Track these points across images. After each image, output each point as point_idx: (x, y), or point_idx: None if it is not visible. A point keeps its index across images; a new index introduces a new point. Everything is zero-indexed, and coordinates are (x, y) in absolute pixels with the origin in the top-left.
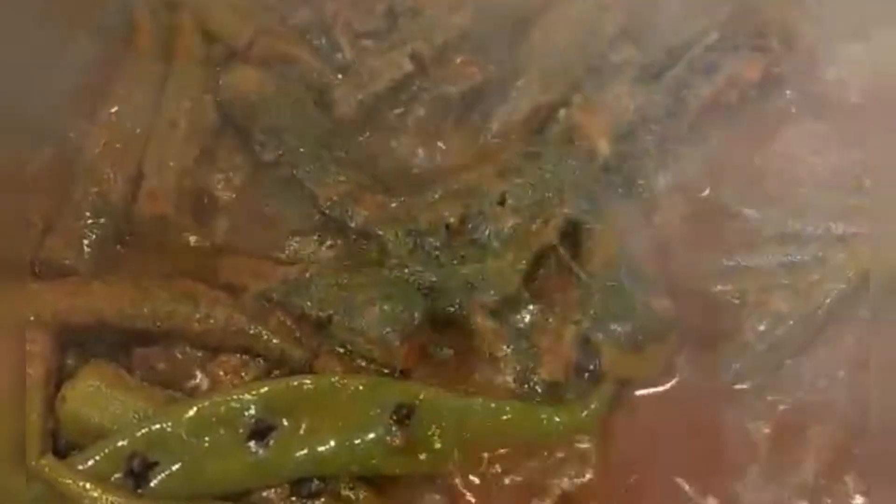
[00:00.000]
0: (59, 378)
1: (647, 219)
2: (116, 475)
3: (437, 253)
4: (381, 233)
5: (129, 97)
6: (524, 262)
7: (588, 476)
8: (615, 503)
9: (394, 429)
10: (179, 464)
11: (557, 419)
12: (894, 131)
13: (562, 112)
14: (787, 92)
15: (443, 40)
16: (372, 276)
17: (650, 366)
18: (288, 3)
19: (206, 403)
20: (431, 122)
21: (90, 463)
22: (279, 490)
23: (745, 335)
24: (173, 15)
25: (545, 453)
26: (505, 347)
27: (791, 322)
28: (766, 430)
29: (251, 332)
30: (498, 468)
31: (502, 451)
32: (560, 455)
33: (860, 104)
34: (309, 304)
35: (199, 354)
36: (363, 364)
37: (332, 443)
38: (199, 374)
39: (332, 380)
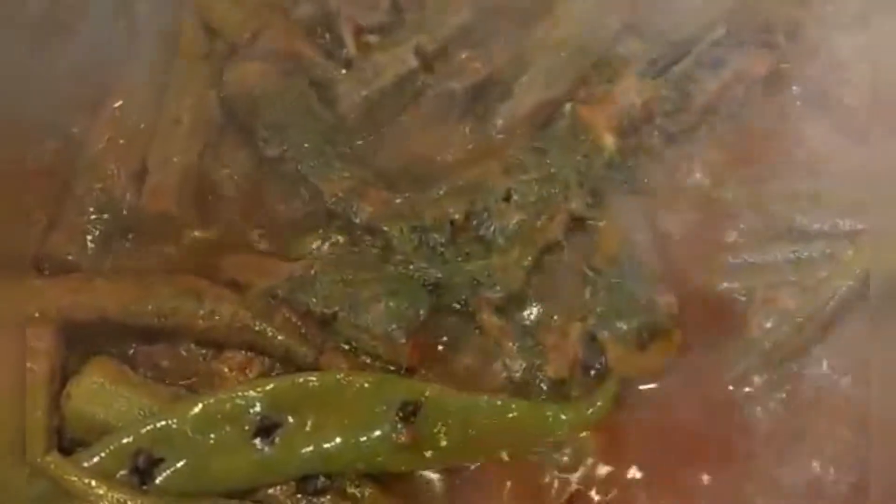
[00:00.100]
0: (63, 375)
1: (653, 215)
2: (122, 472)
3: (442, 249)
4: (385, 229)
5: (132, 92)
6: (529, 258)
7: (593, 473)
8: (620, 501)
9: (399, 426)
10: (185, 461)
11: (563, 417)
12: None
13: (567, 107)
14: (794, 87)
15: (447, 36)
16: (377, 273)
17: (656, 363)
18: None
19: (212, 400)
20: (436, 118)
21: (95, 460)
22: (285, 487)
23: (752, 332)
24: (176, 10)
25: (550, 451)
26: (510, 344)
27: (798, 319)
28: (773, 428)
29: (256, 328)
30: (503, 465)
31: (508, 448)
32: (565, 452)
33: (867, 99)
34: (314, 300)
35: (204, 351)
36: (368, 361)
37: (338, 440)
38: (203, 371)
39: (338, 377)
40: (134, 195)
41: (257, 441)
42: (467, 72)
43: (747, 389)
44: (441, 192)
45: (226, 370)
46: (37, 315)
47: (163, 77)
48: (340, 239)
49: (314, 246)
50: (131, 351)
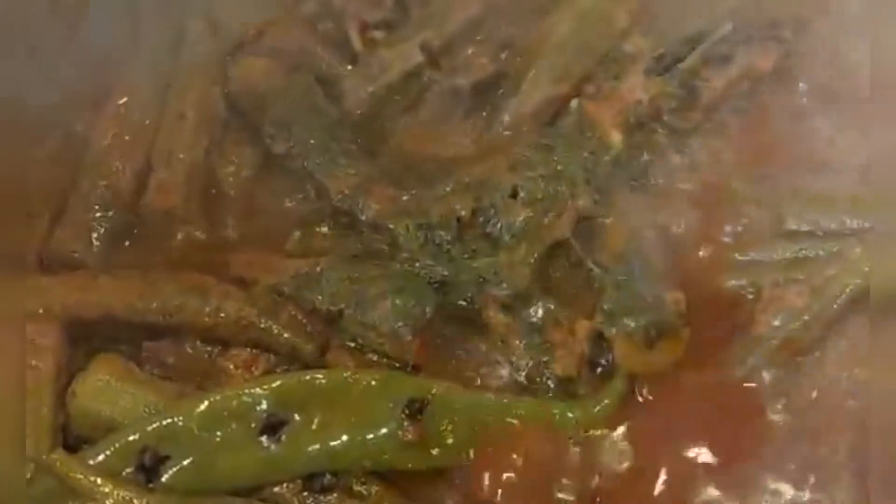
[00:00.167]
0: (69, 372)
1: (660, 212)
2: (128, 470)
3: (448, 246)
4: (392, 226)
5: (136, 89)
6: (536, 255)
7: (601, 471)
8: (626, 497)
9: (406, 423)
10: (191, 458)
11: (570, 414)
12: None
13: (574, 103)
14: (801, 84)
15: (453, 31)
16: (383, 270)
17: (663, 360)
18: None
19: (218, 398)
20: (442, 114)
21: (101, 457)
22: (291, 485)
23: (760, 330)
24: (181, 6)
25: (557, 448)
26: (517, 342)
27: (806, 317)
28: (780, 425)
29: (262, 326)
30: (510, 463)
31: (514, 446)
32: (573, 450)
33: (874, 95)
34: (320, 297)
35: (209, 348)
36: (375, 358)
37: (345, 437)
38: (209, 369)
39: (345, 374)
40: (139, 192)
41: (264, 439)
42: (473, 68)
43: (755, 386)
44: (447, 189)
45: (231, 367)
46: (41, 312)
47: (167, 73)
48: (346, 236)
49: (320, 243)
50: (137, 348)
